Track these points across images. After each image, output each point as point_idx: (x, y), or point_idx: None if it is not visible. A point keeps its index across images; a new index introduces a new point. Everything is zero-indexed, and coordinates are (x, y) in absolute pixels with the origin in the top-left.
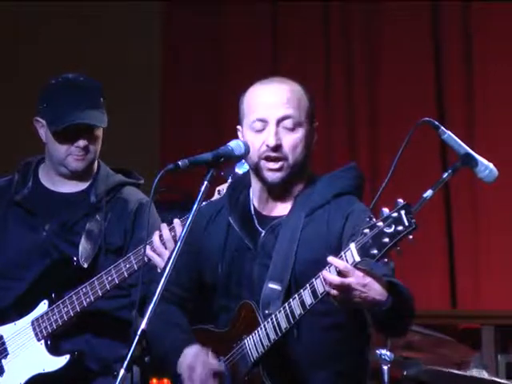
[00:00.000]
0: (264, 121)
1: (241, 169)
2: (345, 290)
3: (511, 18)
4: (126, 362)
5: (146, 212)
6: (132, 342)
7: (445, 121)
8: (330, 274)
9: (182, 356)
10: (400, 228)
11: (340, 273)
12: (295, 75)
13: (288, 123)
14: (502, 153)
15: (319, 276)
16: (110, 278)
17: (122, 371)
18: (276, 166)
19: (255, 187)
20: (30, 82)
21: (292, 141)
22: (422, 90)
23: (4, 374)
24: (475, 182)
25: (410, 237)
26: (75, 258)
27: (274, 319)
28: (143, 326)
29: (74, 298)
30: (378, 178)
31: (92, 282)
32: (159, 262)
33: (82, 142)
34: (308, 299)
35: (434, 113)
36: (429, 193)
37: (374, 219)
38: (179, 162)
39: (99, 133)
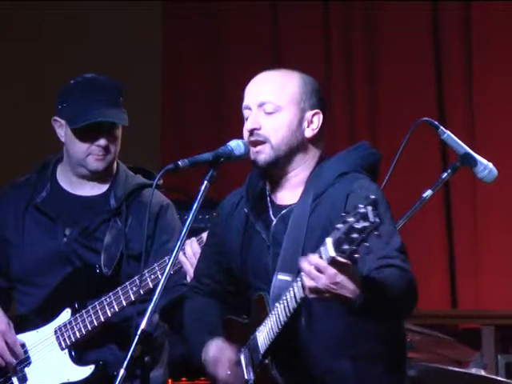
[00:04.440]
0: (248, 108)
1: None
2: (318, 287)
3: (511, 17)
4: (125, 362)
5: (167, 215)
6: (132, 342)
7: (445, 121)
8: (305, 277)
9: (205, 349)
10: (366, 224)
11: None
12: None
13: (267, 108)
14: (502, 153)
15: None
16: (134, 289)
17: (121, 371)
18: (256, 149)
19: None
20: (30, 81)
21: (271, 123)
22: (422, 90)
23: (27, 382)
24: (475, 181)
25: (376, 233)
26: (98, 266)
27: (276, 312)
28: (143, 326)
29: (98, 307)
30: (378, 178)
31: (116, 291)
32: (190, 270)
33: (103, 141)
34: (298, 292)
35: (434, 113)
36: (428, 193)
37: (347, 214)
38: (179, 162)
39: (119, 133)
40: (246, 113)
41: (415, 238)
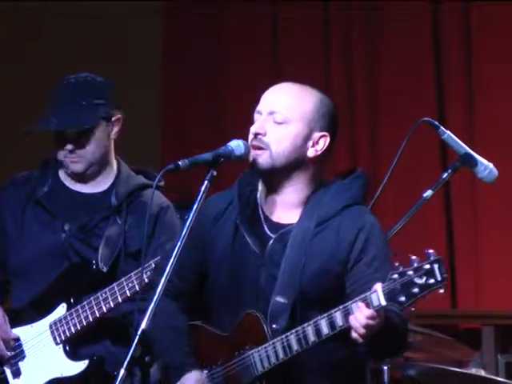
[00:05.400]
0: (260, 113)
1: None
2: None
3: (511, 17)
4: (125, 362)
5: (166, 216)
6: (132, 342)
7: (445, 121)
8: (357, 320)
9: (182, 381)
10: (432, 281)
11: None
12: (295, 75)
13: (277, 117)
14: (502, 153)
15: (339, 309)
16: (130, 285)
17: (122, 371)
18: (257, 152)
19: (261, 189)
20: (29, 81)
21: (277, 133)
22: (422, 90)
23: (21, 376)
24: (475, 181)
25: (441, 291)
26: (94, 262)
27: (285, 340)
28: (143, 325)
29: (94, 303)
30: (378, 178)
31: (112, 287)
32: None
33: (69, 146)
34: (325, 329)
35: (434, 113)
36: (429, 193)
37: (403, 266)
38: (179, 162)
39: (91, 134)
40: (256, 117)
41: (415, 238)
